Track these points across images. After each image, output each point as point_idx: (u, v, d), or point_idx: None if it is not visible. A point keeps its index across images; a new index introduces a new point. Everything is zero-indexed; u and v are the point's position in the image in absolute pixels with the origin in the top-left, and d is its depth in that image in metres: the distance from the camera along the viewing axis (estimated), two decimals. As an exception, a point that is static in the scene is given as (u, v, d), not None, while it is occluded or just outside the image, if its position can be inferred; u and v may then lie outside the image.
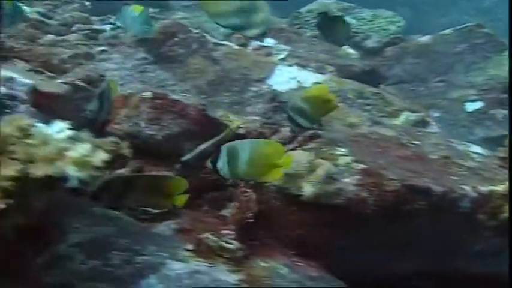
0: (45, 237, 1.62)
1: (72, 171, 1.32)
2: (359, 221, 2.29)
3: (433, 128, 3.24)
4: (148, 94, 2.39)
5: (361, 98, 3.29)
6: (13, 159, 1.31)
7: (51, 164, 1.31)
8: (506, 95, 4.94)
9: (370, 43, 5.46)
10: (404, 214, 2.32)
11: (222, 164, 1.97)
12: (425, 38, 5.46)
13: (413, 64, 5.36)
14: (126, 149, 1.47)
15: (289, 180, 2.26)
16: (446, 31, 5.46)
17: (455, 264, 2.52)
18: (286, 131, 2.52)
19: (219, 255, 2.12)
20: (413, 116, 3.18)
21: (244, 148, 1.97)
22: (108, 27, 4.86)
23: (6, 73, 1.72)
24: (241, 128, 2.56)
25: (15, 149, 1.33)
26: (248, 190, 2.35)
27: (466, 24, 5.42)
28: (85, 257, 1.87)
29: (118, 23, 5.03)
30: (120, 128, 2.38)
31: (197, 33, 3.63)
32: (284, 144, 2.48)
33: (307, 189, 2.22)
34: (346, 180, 2.28)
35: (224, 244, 2.14)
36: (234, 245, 2.15)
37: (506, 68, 5.02)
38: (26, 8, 4.48)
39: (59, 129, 1.43)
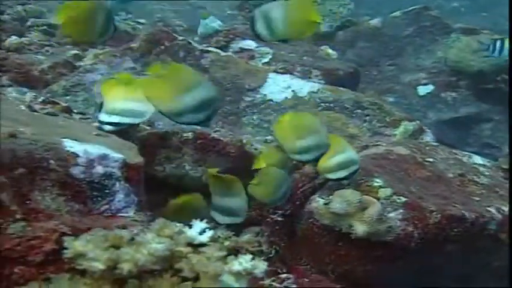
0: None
1: (233, 282, 1.30)
2: (403, 254, 2.37)
3: (429, 135, 3.35)
4: (189, 135, 2.33)
5: (359, 108, 3.34)
6: (180, 277, 1.29)
7: (216, 279, 1.29)
8: (455, 78, 5.16)
9: (322, 28, 5.49)
10: (441, 242, 2.41)
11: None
12: (375, 21, 5.55)
13: (365, 48, 5.47)
14: (264, 246, 1.46)
15: (339, 219, 2.29)
16: (395, 13, 5.58)
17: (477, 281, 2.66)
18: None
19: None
20: (411, 126, 3.26)
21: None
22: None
23: (100, 150, 1.64)
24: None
25: (180, 265, 1.30)
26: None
27: (414, 7, 5.56)
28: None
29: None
30: (162, 170, 2.32)
31: (183, 39, 3.53)
32: (316, 177, 2.51)
33: (359, 228, 2.26)
34: (391, 215, 2.33)
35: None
36: (295, 290, 2.19)
37: (454, 50, 5.21)
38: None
39: (201, 230, 1.40)
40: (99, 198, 1.62)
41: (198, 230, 1.40)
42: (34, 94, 2.67)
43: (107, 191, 1.64)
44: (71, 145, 1.64)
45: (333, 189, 2.37)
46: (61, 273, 1.30)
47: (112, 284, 1.28)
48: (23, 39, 3.92)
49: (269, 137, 2.95)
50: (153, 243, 1.28)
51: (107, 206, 1.63)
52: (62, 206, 1.51)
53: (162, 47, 3.47)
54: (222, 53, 3.56)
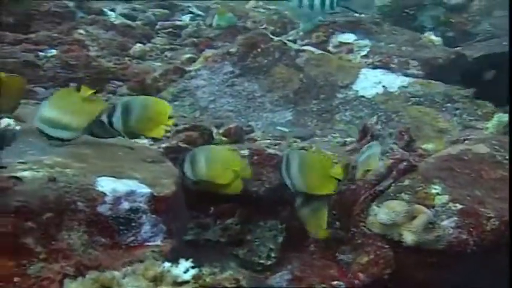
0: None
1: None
2: (458, 259, 2.38)
3: (530, 126, 3.20)
4: (246, 152, 2.51)
5: (450, 102, 3.30)
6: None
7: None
8: None
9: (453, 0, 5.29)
10: (501, 246, 2.38)
11: None
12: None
13: (502, 17, 5.17)
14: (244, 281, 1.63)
15: (389, 228, 2.37)
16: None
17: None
18: (380, 167, 2.57)
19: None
20: (505, 117, 3.14)
21: None
22: (188, 17, 4.96)
23: (128, 187, 1.89)
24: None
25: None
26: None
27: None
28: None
29: (196, 11, 5.11)
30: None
31: (278, 41, 3.69)
32: (379, 181, 2.56)
33: (408, 237, 2.32)
34: (445, 223, 2.35)
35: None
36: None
37: None
38: (111, 13, 4.63)
39: (185, 269, 1.59)
40: (126, 231, 1.88)
41: (182, 269, 1.60)
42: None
43: (133, 224, 1.89)
44: (102, 184, 1.90)
45: (388, 198, 2.44)
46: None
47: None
48: (147, 45, 4.29)
49: (348, 139, 3.04)
50: (129, 286, 1.50)
51: (133, 238, 1.88)
52: (87, 242, 1.78)
53: (259, 50, 3.65)
54: (317, 51, 3.67)
